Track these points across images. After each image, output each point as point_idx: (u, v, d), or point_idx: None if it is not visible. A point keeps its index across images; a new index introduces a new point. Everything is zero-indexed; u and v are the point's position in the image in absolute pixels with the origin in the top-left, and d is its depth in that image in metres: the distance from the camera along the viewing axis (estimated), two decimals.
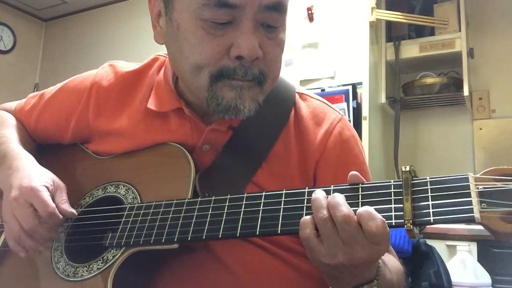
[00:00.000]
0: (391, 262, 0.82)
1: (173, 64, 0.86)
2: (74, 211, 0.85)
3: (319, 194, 0.66)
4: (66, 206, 0.84)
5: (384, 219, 0.62)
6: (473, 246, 2.02)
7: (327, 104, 0.94)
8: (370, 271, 0.68)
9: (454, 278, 1.70)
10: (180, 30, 0.77)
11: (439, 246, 1.91)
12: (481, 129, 2.71)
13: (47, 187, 0.83)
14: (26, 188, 0.82)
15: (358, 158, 0.90)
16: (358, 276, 0.67)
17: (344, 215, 0.62)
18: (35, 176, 0.85)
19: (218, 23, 0.74)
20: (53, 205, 0.81)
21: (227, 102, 0.77)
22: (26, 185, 0.82)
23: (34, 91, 1.21)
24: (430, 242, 1.73)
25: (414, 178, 0.65)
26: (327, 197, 0.65)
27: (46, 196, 0.81)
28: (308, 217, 0.65)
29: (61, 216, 0.82)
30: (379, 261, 0.70)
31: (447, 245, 2.08)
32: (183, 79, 0.85)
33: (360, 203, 0.66)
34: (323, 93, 2.46)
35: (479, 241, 2.02)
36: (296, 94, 0.93)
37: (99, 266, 0.78)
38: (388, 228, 0.62)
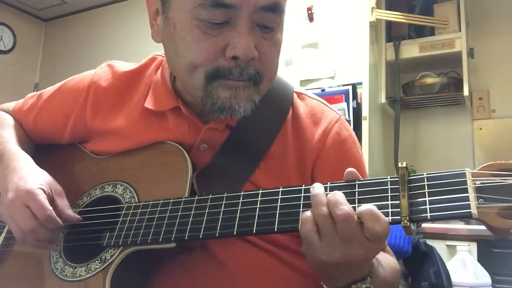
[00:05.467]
0: (386, 260, 0.82)
1: (169, 62, 0.86)
2: (78, 216, 0.85)
3: (318, 189, 0.66)
4: (70, 212, 0.85)
5: (387, 220, 0.62)
6: (473, 246, 2.01)
7: (325, 104, 0.94)
8: (364, 269, 0.68)
9: (454, 278, 1.70)
10: (176, 29, 0.78)
11: (439, 246, 1.91)
12: (481, 129, 2.71)
13: (43, 190, 0.83)
14: (22, 191, 0.82)
15: (356, 158, 0.90)
16: (352, 274, 0.67)
17: (345, 214, 0.62)
18: (31, 178, 0.85)
19: (214, 23, 0.74)
20: (50, 208, 0.81)
21: (222, 102, 0.77)
22: (22, 188, 0.82)
23: (34, 91, 1.21)
24: (430, 242, 1.72)
25: (410, 174, 0.65)
26: (327, 194, 0.65)
27: (43, 199, 0.81)
28: (309, 213, 0.65)
29: (58, 219, 0.82)
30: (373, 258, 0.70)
31: (447, 245, 2.07)
32: (179, 78, 0.85)
33: (356, 199, 0.66)
34: (323, 93, 2.46)
35: (479, 241, 2.01)
36: (294, 94, 0.93)
37: (97, 266, 0.78)
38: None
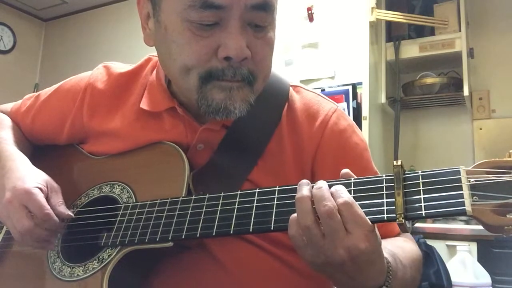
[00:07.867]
0: (405, 253, 0.78)
1: (163, 65, 0.86)
2: (70, 213, 0.85)
3: (304, 191, 0.64)
4: (63, 209, 0.84)
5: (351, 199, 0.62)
6: (473, 246, 2.02)
7: (321, 96, 0.93)
8: (375, 274, 0.64)
9: (454, 278, 1.70)
10: (167, 31, 0.77)
11: (439, 246, 1.91)
12: (481, 129, 2.71)
13: (40, 189, 0.83)
14: (19, 191, 0.82)
15: (358, 146, 0.89)
16: (357, 279, 0.63)
17: (327, 210, 0.60)
18: (29, 178, 0.85)
19: (205, 24, 0.74)
20: (48, 207, 0.81)
21: (217, 103, 0.76)
22: (19, 188, 0.82)
23: (34, 91, 1.20)
24: (430, 242, 1.73)
25: (406, 172, 0.65)
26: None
27: (41, 199, 0.81)
28: (296, 215, 0.64)
29: (56, 218, 0.82)
30: (388, 258, 0.67)
31: (447, 245, 2.08)
32: (173, 80, 0.85)
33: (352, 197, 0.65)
34: (323, 93, 2.45)
35: (479, 241, 2.02)
36: (290, 88, 0.92)
37: (94, 266, 0.78)
38: (354, 207, 0.61)
